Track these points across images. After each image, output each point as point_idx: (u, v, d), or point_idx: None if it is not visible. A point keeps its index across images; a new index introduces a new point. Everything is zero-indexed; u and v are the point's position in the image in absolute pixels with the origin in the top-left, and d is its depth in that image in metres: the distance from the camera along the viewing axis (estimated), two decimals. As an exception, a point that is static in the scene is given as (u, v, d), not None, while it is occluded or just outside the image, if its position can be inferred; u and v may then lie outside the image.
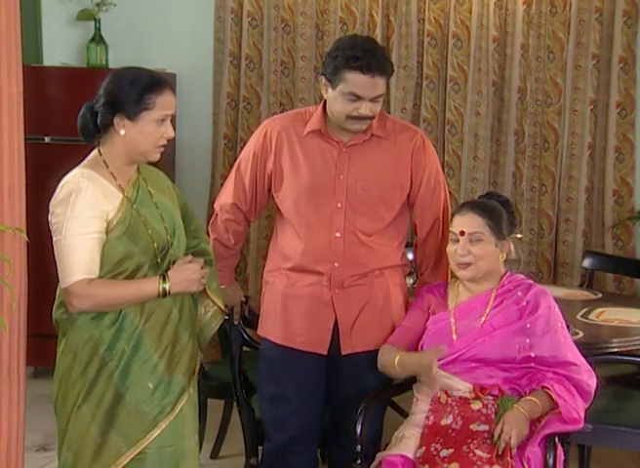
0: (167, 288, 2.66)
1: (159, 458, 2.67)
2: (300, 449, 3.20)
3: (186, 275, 2.70)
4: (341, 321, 3.08)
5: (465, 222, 3.02)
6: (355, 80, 2.89)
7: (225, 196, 3.25)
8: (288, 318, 3.12)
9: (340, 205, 3.04)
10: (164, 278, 2.66)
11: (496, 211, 3.05)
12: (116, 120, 2.63)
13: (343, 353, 3.09)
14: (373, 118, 2.98)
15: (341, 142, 3.05)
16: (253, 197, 3.20)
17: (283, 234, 3.15)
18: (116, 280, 2.63)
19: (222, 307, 2.93)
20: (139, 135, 2.64)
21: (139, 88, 2.63)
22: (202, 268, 2.76)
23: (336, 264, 3.05)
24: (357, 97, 2.91)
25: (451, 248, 3.05)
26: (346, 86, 2.90)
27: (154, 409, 2.66)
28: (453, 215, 3.09)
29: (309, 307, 3.09)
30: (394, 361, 2.98)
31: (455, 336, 3.00)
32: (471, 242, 3.00)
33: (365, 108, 2.92)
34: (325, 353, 3.10)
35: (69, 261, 2.59)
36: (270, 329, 3.17)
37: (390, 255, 3.14)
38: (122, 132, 2.64)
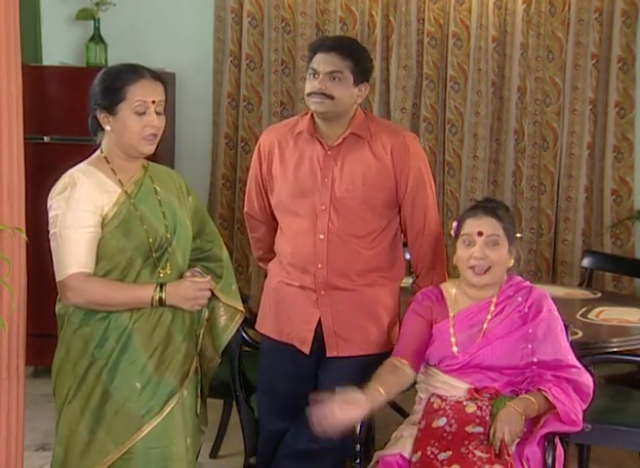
0: (163, 297, 2.64)
1: (145, 459, 2.65)
2: None
3: (180, 292, 2.67)
4: (325, 322, 3.12)
5: (482, 225, 2.94)
6: (315, 58, 3.08)
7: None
8: (280, 314, 3.20)
9: (324, 207, 3.09)
10: (161, 287, 2.64)
11: (507, 214, 3.01)
12: (100, 117, 2.65)
13: (328, 355, 3.13)
14: (331, 98, 3.02)
15: (327, 144, 3.10)
16: (264, 207, 3.30)
17: (278, 234, 3.24)
18: (114, 282, 2.63)
19: (242, 309, 2.89)
20: (121, 128, 2.63)
21: (110, 80, 2.63)
22: (204, 290, 2.71)
23: (319, 265, 3.09)
24: (314, 72, 3.06)
25: (464, 252, 2.95)
26: (311, 64, 3.08)
27: (141, 410, 2.64)
28: (462, 220, 3.01)
29: (297, 306, 3.15)
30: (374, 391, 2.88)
31: (455, 349, 2.94)
32: (488, 245, 2.92)
33: (320, 82, 3.02)
34: (307, 352, 3.14)
35: (64, 254, 2.59)
36: (266, 323, 3.26)
37: (380, 261, 3.14)
38: (107, 128, 2.65)
